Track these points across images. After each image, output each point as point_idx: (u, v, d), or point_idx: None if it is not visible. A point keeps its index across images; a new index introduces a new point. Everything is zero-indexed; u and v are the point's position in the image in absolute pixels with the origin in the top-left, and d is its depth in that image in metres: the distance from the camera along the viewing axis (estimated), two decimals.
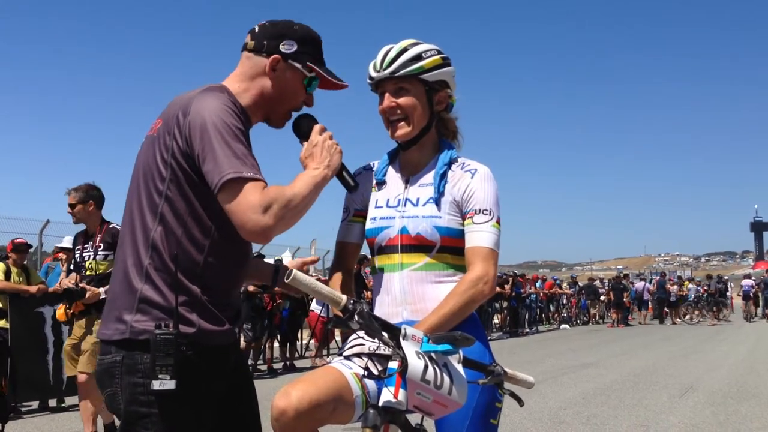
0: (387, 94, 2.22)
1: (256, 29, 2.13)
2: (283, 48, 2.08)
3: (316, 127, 2.10)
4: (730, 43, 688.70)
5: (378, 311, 2.23)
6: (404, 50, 2.19)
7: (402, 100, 2.20)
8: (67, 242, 8.99)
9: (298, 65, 2.10)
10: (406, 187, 2.28)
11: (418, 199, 2.23)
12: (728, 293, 30.90)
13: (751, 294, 29.20)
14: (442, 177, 2.22)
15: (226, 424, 2.05)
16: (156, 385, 1.83)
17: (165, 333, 1.85)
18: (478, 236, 2.15)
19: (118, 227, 5.53)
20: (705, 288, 28.05)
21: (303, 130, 2.13)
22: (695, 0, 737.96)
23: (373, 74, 2.23)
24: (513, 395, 2.04)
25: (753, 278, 32.57)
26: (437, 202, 2.19)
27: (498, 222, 2.18)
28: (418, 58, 2.18)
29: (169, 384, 1.83)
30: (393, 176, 2.33)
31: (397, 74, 2.18)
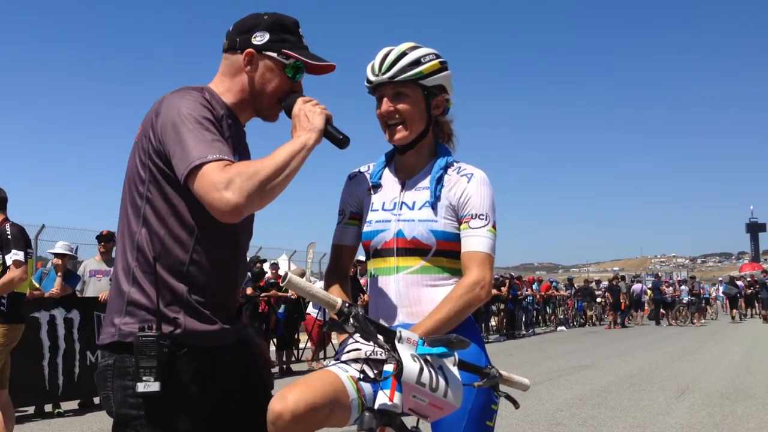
0: (385, 99, 2.21)
1: (230, 28, 2.12)
2: (255, 41, 2.05)
3: (299, 100, 2.06)
4: (728, 43, 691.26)
5: (374, 314, 2.23)
6: (403, 54, 2.18)
7: (400, 105, 2.20)
8: (60, 247, 8.97)
9: (273, 54, 2.06)
10: (402, 191, 2.27)
11: (414, 203, 2.23)
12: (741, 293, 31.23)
13: (742, 294, 30.91)
14: (439, 181, 2.21)
15: (222, 426, 2.03)
16: (140, 387, 1.84)
17: (146, 335, 1.86)
18: (475, 241, 2.15)
19: (8, 227, 5.39)
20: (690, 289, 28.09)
21: (288, 108, 2.09)
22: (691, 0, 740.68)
23: (372, 78, 2.21)
24: (508, 397, 2.04)
25: (749, 278, 33.24)
26: (433, 205, 2.19)
27: (494, 227, 2.18)
28: (417, 63, 2.17)
29: (153, 386, 1.84)
30: (389, 179, 2.33)
31: (395, 79, 2.17)
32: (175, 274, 1.93)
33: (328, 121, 2.02)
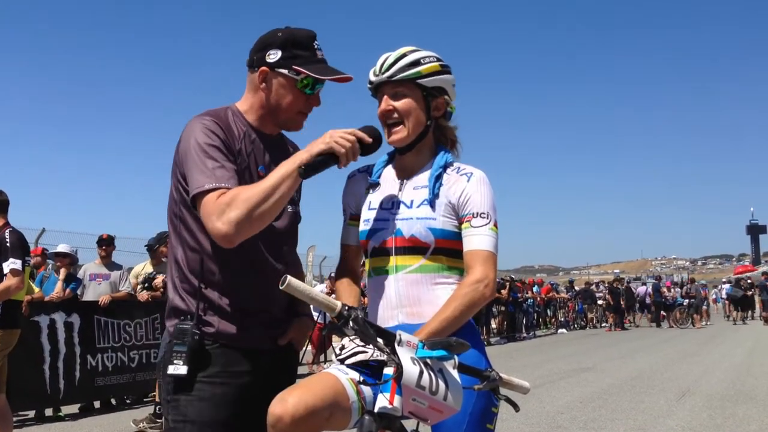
0: (385, 97, 2.24)
1: (253, 45, 2.24)
2: (268, 58, 2.17)
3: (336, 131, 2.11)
4: (728, 43, 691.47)
5: (373, 314, 2.23)
6: (403, 56, 2.21)
7: (399, 104, 2.21)
8: (61, 248, 8.96)
9: (284, 71, 2.17)
10: (400, 190, 2.27)
11: (412, 201, 2.22)
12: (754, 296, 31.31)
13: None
14: (437, 179, 2.21)
15: (252, 426, 2.08)
16: (170, 369, 2.03)
17: (183, 324, 2.08)
18: (477, 239, 2.14)
19: (7, 234, 5.36)
20: (686, 292, 28.13)
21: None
22: (691, 0, 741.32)
23: (372, 78, 2.24)
24: (508, 400, 2.04)
25: (748, 280, 33.56)
26: (432, 203, 2.19)
27: (495, 225, 2.17)
28: (416, 63, 2.20)
29: (182, 369, 2.02)
30: (388, 178, 2.33)
31: (394, 78, 2.20)
32: (208, 283, 2.12)
33: (328, 152, 2.02)
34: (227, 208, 1.94)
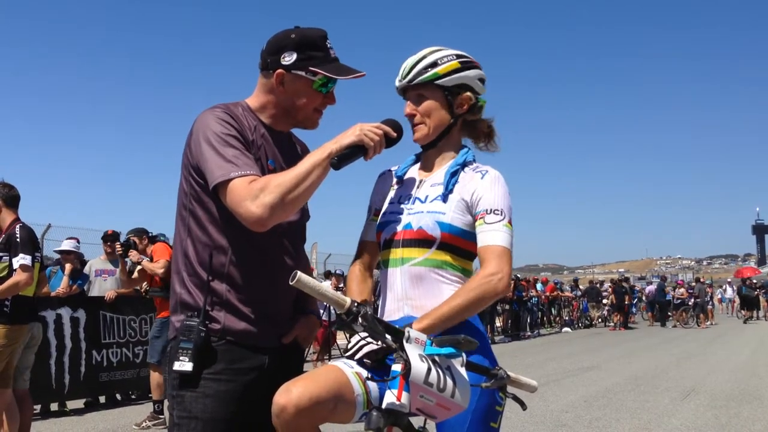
0: (408, 102, 2.30)
1: (264, 46, 2.26)
2: (284, 61, 2.19)
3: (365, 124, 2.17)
4: (731, 43, 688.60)
5: (382, 306, 2.25)
6: (423, 58, 2.26)
7: (420, 107, 2.27)
8: (66, 245, 8.99)
9: (301, 73, 2.20)
10: (419, 186, 2.31)
11: (426, 197, 2.25)
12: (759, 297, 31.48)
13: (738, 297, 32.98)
14: (453, 175, 2.23)
15: (256, 423, 2.09)
16: (176, 365, 2.05)
17: (190, 320, 2.09)
18: (491, 235, 2.13)
19: (18, 229, 5.36)
20: (690, 292, 28.06)
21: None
22: (693, 1, 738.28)
23: (397, 84, 2.32)
24: (516, 399, 2.04)
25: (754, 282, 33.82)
26: (444, 198, 2.21)
27: (510, 223, 2.17)
28: (434, 65, 2.24)
29: (187, 366, 2.04)
30: (411, 175, 2.38)
31: (413, 82, 2.26)
32: (217, 276, 2.13)
33: (357, 145, 2.09)
34: (260, 192, 1.98)
